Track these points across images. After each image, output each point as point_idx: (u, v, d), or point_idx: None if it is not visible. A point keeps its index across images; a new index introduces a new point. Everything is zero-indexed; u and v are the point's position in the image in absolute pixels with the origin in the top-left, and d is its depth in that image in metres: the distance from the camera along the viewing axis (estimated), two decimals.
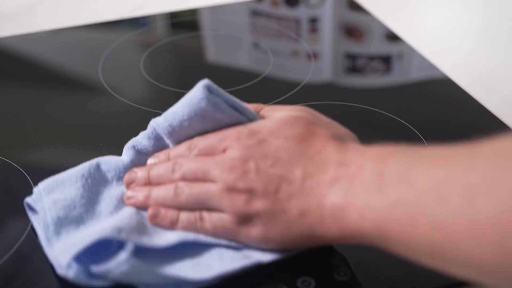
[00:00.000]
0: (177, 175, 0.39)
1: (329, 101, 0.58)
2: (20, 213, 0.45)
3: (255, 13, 0.79)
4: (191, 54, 0.71)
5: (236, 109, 0.41)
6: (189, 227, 0.38)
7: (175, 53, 0.71)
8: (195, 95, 0.39)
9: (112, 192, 0.41)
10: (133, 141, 0.43)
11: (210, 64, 0.68)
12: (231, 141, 0.38)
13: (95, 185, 0.41)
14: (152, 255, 0.37)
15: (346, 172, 0.34)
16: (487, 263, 0.28)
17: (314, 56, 0.68)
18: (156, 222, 0.39)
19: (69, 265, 0.35)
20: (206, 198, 0.37)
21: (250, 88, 0.60)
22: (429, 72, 0.64)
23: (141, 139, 0.43)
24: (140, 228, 0.38)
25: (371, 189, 0.33)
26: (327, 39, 0.74)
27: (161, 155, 0.42)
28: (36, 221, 0.40)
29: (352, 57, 0.69)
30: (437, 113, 0.57)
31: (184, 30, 0.76)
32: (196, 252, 0.38)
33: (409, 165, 0.32)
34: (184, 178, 0.39)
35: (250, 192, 0.36)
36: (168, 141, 0.42)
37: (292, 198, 0.35)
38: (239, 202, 0.36)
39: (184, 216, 0.38)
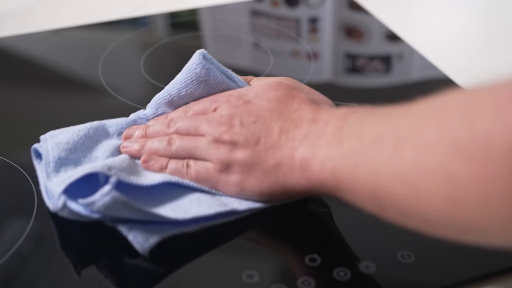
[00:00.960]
0: (171, 130, 0.44)
1: None
2: (20, 213, 0.45)
3: (255, 13, 0.79)
4: (191, 54, 0.70)
5: (228, 77, 0.47)
6: (176, 173, 0.43)
7: (175, 53, 0.71)
8: (192, 62, 0.47)
9: (110, 142, 0.46)
10: (137, 112, 0.49)
11: None
12: (220, 102, 0.44)
13: (97, 135, 0.46)
14: (136, 195, 0.40)
15: (315, 129, 0.39)
16: (407, 205, 0.32)
17: (314, 56, 0.68)
18: (147, 166, 0.43)
19: (60, 196, 0.39)
20: (194, 148, 0.42)
21: None
22: (429, 72, 0.64)
23: (144, 110, 0.49)
24: (129, 170, 0.42)
25: (331, 142, 0.37)
26: (327, 39, 0.74)
27: (160, 118, 0.48)
28: (39, 168, 0.45)
29: (352, 57, 0.69)
30: None
31: (184, 30, 0.76)
32: (176, 197, 0.42)
33: (362, 120, 0.37)
34: (178, 133, 0.44)
35: (233, 144, 0.41)
36: (168, 110, 0.48)
37: (269, 150, 0.40)
38: (223, 151, 0.41)
39: (172, 163, 0.43)
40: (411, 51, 0.68)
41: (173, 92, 0.47)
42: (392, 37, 0.71)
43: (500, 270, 0.39)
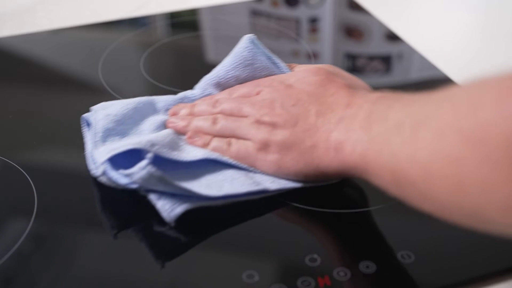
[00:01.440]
0: (216, 110, 0.47)
1: None
2: (20, 213, 0.45)
3: (255, 13, 0.79)
4: (191, 54, 0.71)
5: (273, 62, 0.50)
6: (217, 150, 0.45)
7: (175, 53, 0.71)
8: (240, 46, 0.50)
9: (157, 117, 0.48)
10: (185, 92, 0.51)
11: (210, 64, 0.67)
12: (263, 87, 0.47)
13: (145, 109, 0.48)
14: (174, 169, 0.43)
15: (349, 113, 0.41)
16: (421, 188, 0.33)
17: (314, 56, 0.68)
18: (191, 142, 0.46)
19: (102, 163, 0.42)
20: (237, 128, 0.45)
21: None
22: (429, 72, 0.64)
23: (192, 90, 0.51)
24: (172, 145, 0.44)
25: (362, 126, 0.39)
26: (327, 39, 0.74)
27: (206, 98, 0.50)
28: (88, 135, 0.47)
29: (352, 57, 0.69)
30: None
31: (184, 30, 0.76)
32: (212, 174, 0.44)
33: (389, 106, 0.38)
34: (222, 113, 0.46)
35: (273, 125, 0.43)
36: (214, 91, 0.50)
37: (306, 132, 0.42)
38: (263, 131, 0.43)
39: (215, 141, 0.45)
40: (411, 51, 0.68)
41: (221, 74, 0.50)
42: (392, 37, 0.71)
43: (500, 270, 0.39)
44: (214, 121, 0.46)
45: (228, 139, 0.45)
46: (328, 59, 0.69)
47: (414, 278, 0.39)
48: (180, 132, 0.47)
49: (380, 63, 0.68)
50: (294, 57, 0.69)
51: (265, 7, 0.80)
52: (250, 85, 0.48)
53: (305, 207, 0.44)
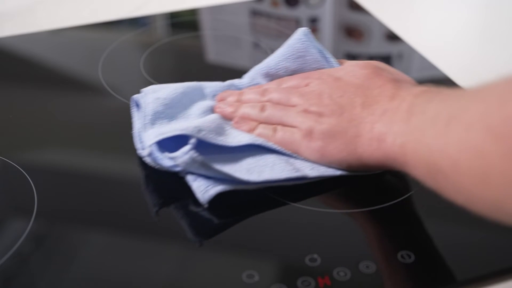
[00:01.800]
0: (264, 98, 0.48)
1: None
2: (20, 213, 0.45)
3: (255, 13, 0.79)
4: (191, 54, 0.71)
5: (323, 56, 0.51)
6: (263, 136, 0.46)
7: (175, 53, 0.71)
8: (293, 37, 0.51)
9: (204, 103, 0.50)
10: (233, 80, 0.53)
11: (210, 64, 0.68)
12: (313, 79, 0.48)
13: (193, 94, 0.50)
14: (217, 154, 0.45)
15: (393, 105, 0.42)
16: (451, 179, 0.34)
17: None
18: (238, 126, 0.47)
19: (150, 146, 0.44)
20: (284, 115, 0.46)
21: None
22: (429, 72, 0.64)
23: (240, 79, 0.53)
24: (218, 130, 0.46)
25: (403, 118, 0.40)
26: (327, 39, 0.74)
27: (254, 87, 0.51)
28: (137, 116, 0.49)
29: (352, 57, 0.69)
30: None
31: (184, 30, 0.76)
32: (253, 159, 0.45)
33: (429, 99, 0.39)
34: (270, 102, 0.48)
35: (320, 114, 0.45)
36: (262, 81, 0.52)
37: (351, 122, 0.43)
38: (310, 119, 0.45)
39: (261, 127, 0.47)
40: (411, 51, 0.68)
41: (271, 64, 0.51)
42: (392, 37, 0.71)
43: (500, 270, 0.39)
44: (262, 108, 0.47)
45: (274, 126, 0.46)
46: None
47: (414, 278, 0.39)
48: (227, 118, 0.48)
49: None
50: None
51: (265, 7, 0.80)
52: (299, 77, 0.50)
53: (305, 207, 0.44)
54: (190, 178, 0.43)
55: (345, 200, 0.46)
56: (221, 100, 0.50)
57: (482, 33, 0.74)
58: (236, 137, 0.46)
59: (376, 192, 0.46)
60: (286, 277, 0.38)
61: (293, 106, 0.46)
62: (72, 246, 0.42)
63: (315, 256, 0.40)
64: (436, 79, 0.63)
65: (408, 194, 0.45)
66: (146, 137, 0.46)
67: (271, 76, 0.52)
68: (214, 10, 0.79)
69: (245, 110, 0.48)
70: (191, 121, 0.47)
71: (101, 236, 0.43)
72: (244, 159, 0.45)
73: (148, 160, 0.45)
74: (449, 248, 0.41)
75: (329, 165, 0.45)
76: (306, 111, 0.45)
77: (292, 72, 0.51)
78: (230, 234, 0.42)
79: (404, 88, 0.44)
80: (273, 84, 0.50)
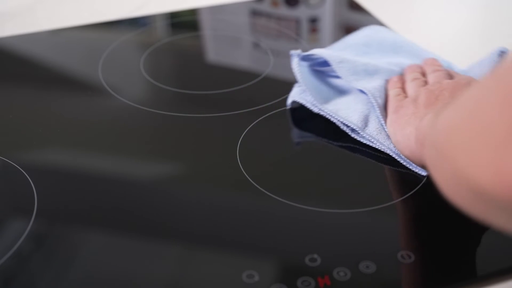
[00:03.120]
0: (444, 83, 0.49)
1: None
2: (20, 213, 0.45)
3: (255, 13, 0.79)
4: (191, 54, 0.71)
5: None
6: (394, 94, 0.51)
7: (175, 53, 0.71)
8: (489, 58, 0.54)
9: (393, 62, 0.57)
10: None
11: (210, 64, 0.68)
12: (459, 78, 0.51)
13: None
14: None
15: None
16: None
17: None
18: (390, 82, 0.53)
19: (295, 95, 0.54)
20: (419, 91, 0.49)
21: (250, 88, 0.60)
22: None
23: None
24: (357, 71, 0.53)
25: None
26: (327, 39, 0.74)
27: (441, 75, 0.52)
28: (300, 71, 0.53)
29: None
30: None
31: (184, 30, 0.76)
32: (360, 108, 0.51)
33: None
34: (427, 87, 0.49)
35: (415, 100, 0.47)
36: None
37: (413, 116, 0.45)
38: (424, 94, 0.47)
39: (409, 86, 0.51)
40: None
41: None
42: None
43: (500, 270, 0.39)
44: (419, 85, 0.50)
45: (414, 95, 0.48)
46: None
47: (414, 278, 0.39)
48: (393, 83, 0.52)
49: None
50: None
51: (265, 7, 0.80)
52: (442, 72, 0.53)
53: (305, 207, 0.44)
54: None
55: (345, 200, 0.46)
56: (406, 72, 0.54)
57: (482, 33, 0.74)
58: (365, 84, 0.52)
59: (376, 192, 0.46)
60: (286, 277, 0.38)
61: (428, 88, 0.49)
62: (72, 246, 0.42)
63: (315, 256, 0.39)
64: None
65: (408, 194, 0.45)
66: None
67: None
68: (214, 10, 0.79)
69: (408, 84, 0.51)
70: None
71: (101, 236, 0.43)
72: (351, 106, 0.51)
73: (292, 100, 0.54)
74: (449, 248, 0.41)
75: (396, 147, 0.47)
76: (429, 91, 0.48)
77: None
78: (230, 234, 0.42)
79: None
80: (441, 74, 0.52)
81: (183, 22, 0.78)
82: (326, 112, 0.51)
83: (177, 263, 0.40)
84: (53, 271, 0.39)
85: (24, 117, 0.56)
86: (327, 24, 0.77)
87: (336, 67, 0.52)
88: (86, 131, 0.54)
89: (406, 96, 0.50)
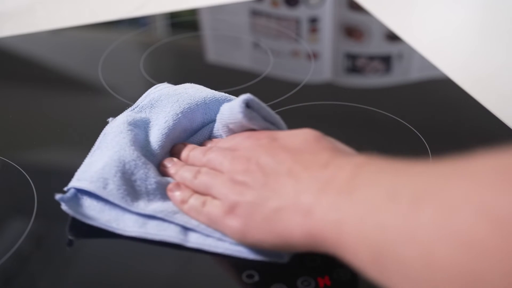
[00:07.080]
0: (204, 159, 0.43)
1: (329, 101, 0.59)
2: (20, 213, 0.45)
3: (255, 13, 0.79)
4: (191, 54, 0.71)
5: (272, 122, 0.44)
6: (192, 210, 0.41)
7: (175, 53, 0.71)
8: (235, 106, 0.43)
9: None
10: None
11: (210, 64, 0.68)
12: (254, 139, 0.42)
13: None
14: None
15: (326, 174, 0.35)
16: (416, 270, 0.28)
17: (314, 56, 0.68)
18: (171, 195, 0.42)
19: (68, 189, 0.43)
20: (212, 186, 0.40)
21: (250, 88, 0.60)
22: (429, 72, 0.64)
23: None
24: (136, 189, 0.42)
25: (341, 191, 0.33)
26: (327, 39, 0.74)
27: (206, 142, 0.48)
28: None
29: (352, 57, 0.69)
30: (437, 113, 0.57)
31: (184, 30, 0.76)
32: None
33: (379, 170, 0.33)
34: (208, 164, 0.43)
35: (244, 185, 0.38)
36: (224, 135, 0.47)
37: (274, 192, 0.36)
38: (233, 192, 0.38)
39: (193, 198, 0.41)
40: (411, 51, 0.68)
41: (223, 123, 0.46)
42: (392, 37, 0.71)
43: None
44: (196, 175, 0.42)
45: (204, 198, 0.41)
46: (328, 59, 0.70)
47: None
48: (171, 177, 0.45)
49: (380, 63, 0.68)
50: (294, 57, 0.69)
51: (265, 7, 0.80)
52: (242, 136, 0.44)
53: None
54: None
55: None
56: (174, 152, 0.47)
57: (482, 33, 0.74)
58: (151, 204, 0.42)
59: None
60: (286, 277, 0.38)
61: (223, 172, 0.41)
62: (72, 246, 0.42)
63: (315, 256, 0.39)
64: (436, 79, 0.63)
65: None
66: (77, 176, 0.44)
67: (231, 130, 0.46)
68: (214, 10, 0.79)
69: (183, 174, 0.43)
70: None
71: (101, 236, 0.43)
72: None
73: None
74: None
75: (253, 247, 0.38)
76: (232, 181, 0.39)
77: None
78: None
79: (342, 156, 0.37)
80: (220, 142, 0.45)
81: (183, 22, 0.78)
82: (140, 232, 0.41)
83: (177, 263, 0.40)
84: (53, 271, 0.39)
85: (24, 117, 0.56)
86: (327, 24, 0.77)
87: (103, 194, 0.42)
88: (86, 131, 0.54)
89: (195, 192, 0.42)
